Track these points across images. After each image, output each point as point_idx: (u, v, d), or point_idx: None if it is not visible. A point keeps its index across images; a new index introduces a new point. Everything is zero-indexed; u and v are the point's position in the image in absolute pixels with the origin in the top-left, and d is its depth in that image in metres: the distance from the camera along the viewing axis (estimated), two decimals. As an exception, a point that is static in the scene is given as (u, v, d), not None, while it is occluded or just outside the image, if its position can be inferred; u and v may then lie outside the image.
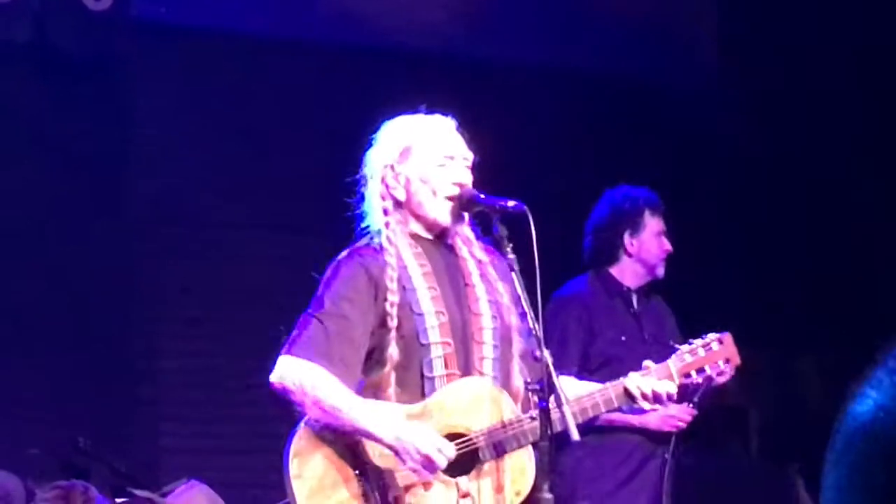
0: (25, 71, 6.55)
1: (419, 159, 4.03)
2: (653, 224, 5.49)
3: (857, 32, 6.87)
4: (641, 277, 5.52)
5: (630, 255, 5.49)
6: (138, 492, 5.22)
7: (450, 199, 4.00)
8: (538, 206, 3.89)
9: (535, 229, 3.77)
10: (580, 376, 4.40)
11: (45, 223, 6.56)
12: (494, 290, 4.04)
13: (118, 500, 5.27)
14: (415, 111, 4.12)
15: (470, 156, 4.07)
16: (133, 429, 6.66)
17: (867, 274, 6.28)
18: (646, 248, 5.48)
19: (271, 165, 6.88)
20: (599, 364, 5.26)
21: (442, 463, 3.77)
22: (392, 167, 4.03)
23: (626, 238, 5.48)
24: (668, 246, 5.50)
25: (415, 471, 3.79)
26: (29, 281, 6.48)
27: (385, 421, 3.80)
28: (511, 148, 6.41)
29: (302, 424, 3.87)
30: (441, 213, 4.01)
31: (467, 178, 4.03)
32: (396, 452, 3.78)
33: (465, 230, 4.09)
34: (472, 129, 4.14)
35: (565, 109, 7.14)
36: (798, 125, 7.07)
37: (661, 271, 5.51)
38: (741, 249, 7.18)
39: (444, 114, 4.11)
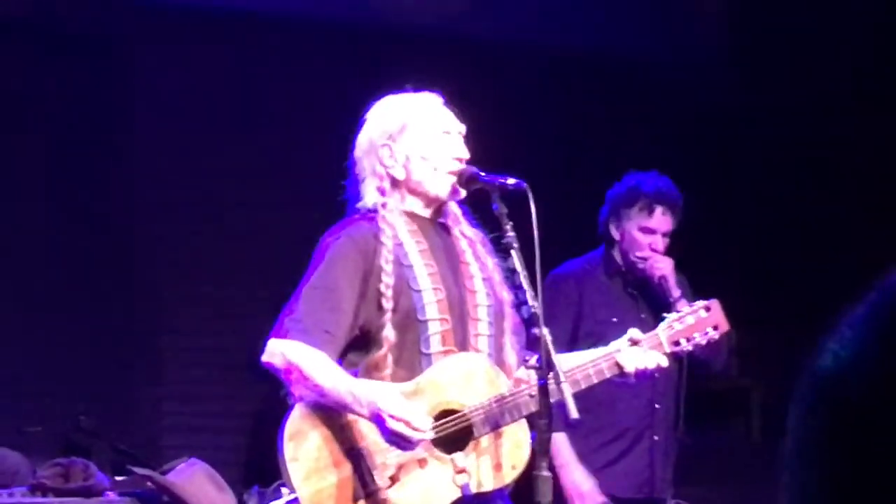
0: (24, 47, 6.54)
1: (417, 136, 4.02)
2: (639, 219, 5.34)
3: (868, 9, 6.83)
4: (629, 267, 5.45)
5: (617, 242, 5.44)
6: (138, 470, 5.21)
7: (451, 173, 4.00)
8: (538, 184, 3.89)
9: (535, 207, 3.77)
10: None
11: (45, 199, 6.56)
12: (486, 267, 4.05)
13: (118, 478, 5.26)
14: (401, 90, 4.12)
15: (464, 128, 4.07)
16: (135, 407, 6.66)
17: (869, 251, 6.25)
18: (627, 241, 5.37)
19: (273, 144, 6.86)
20: (589, 345, 5.21)
21: (413, 434, 3.73)
22: (389, 146, 4.02)
23: (612, 225, 5.42)
24: (655, 245, 5.33)
25: (398, 445, 3.78)
26: (29, 258, 6.48)
27: (365, 395, 3.78)
28: (512, 126, 6.40)
29: (296, 406, 3.87)
30: (442, 188, 4.02)
31: (466, 152, 4.03)
32: (378, 425, 3.78)
33: (454, 208, 4.10)
34: (469, 108, 4.13)
35: (567, 87, 7.12)
36: (805, 103, 7.03)
37: (641, 270, 5.34)
38: (743, 227, 7.16)
39: (431, 90, 4.11)
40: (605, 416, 5.22)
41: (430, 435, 3.79)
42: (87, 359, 6.54)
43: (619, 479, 5.32)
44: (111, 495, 5.11)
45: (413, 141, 4.02)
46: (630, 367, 3.99)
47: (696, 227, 5.77)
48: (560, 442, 5.19)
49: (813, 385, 0.99)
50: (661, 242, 5.37)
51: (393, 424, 3.72)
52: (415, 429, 3.72)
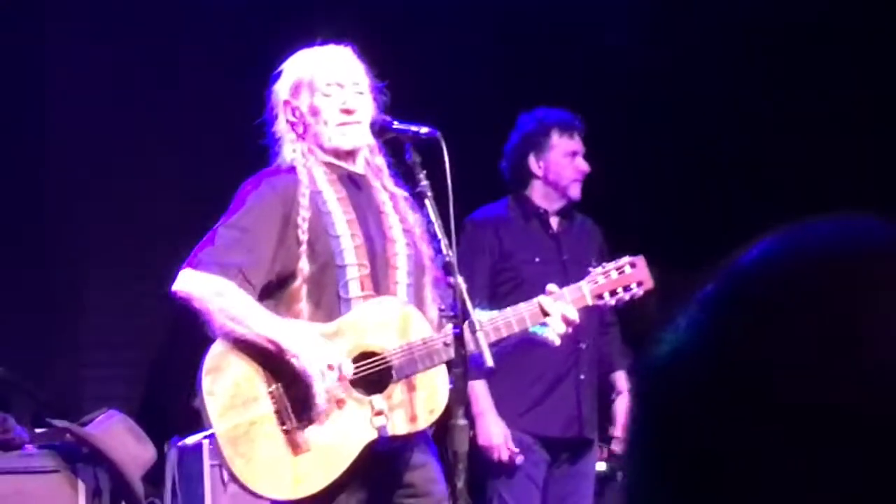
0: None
1: (307, 91, 4.08)
2: (562, 144, 5.47)
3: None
4: (555, 199, 5.51)
5: (538, 178, 5.50)
6: (57, 422, 5.19)
7: (341, 125, 4.02)
8: (454, 131, 3.89)
9: (449, 155, 3.78)
10: (490, 303, 4.43)
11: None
12: (406, 220, 4.07)
13: (37, 430, 5.24)
14: (311, 44, 4.13)
15: (363, 81, 4.09)
16: (52, 358, 6.61)
17: (781, 198, 6.31)
18: (554, 170, 5.47)
19: (192, 97, 6.79)
20: (513, 286, 5.27)
21: (332, 379, 3.79)
22: (290, 102, 4.08)
23: (532, 160, 5.49)
24: (582, 166, 5.48)
25: (309, 388, 3.81)
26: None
27: (290, 328, 3.83)
28: (426, 74, 6.38)
29: (217, 340, 3.87)
30: (336, 139, 4.06)
31: (357, 104, 4.04)
32: (296, 359, 3.81)
33: (378, 160, 4.12)
34: (384, 56, 4.12)
35: (487, 35, 7.09)
36: (715, 48, 7.04)
37: (574, 192, 5.48)
38: (659, 171, 7.17)
39: (340, 43, 4.11)
40: (529, 356, 5.25)
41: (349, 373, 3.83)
42: (4, 309, 6.47)
43: (547, 419, 5.36)
44: (30, 448, 5.09)
45: (304, 97, 4.08)
46: (553, 310, 4.00)
47: (612, 170, 5.80)
48: (478, 390, 5.23)
49: (646, 377, 0.97)
50: (584, 163, 5.49)
51: (314, 367, 3.76)
52: (339, 373, 3.78)
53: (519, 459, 5.27)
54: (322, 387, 3.79)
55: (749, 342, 0.92)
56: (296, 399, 3.86)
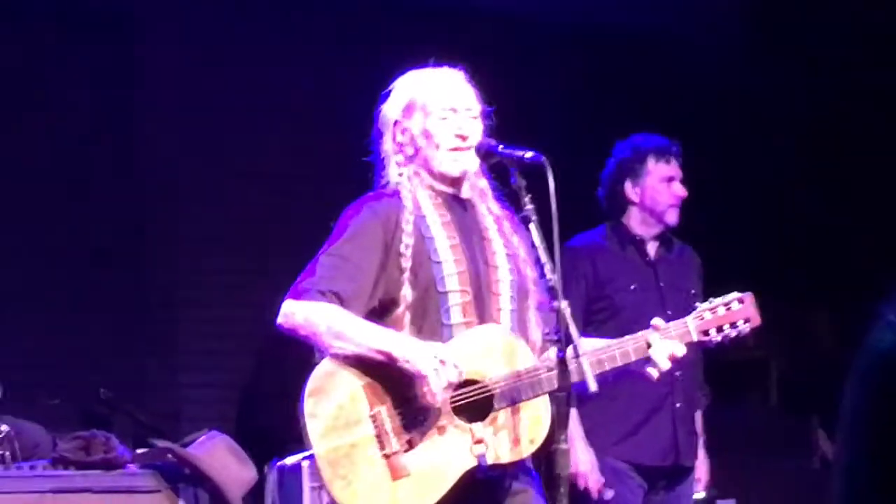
0: (26, 24, 6.55)
1: (421, 114, 4.06)
2: (658, 170, 5.44)
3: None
4: (652, 225, 5.48)
5: (635, 204, 5.48)
6: (159, 442, 5.23)
7: (453, 150, 4.02)
8: (559, 157, 3.89)
9: (554, 180, 3.77)
10: (586, 330, 4.39)
11: (62, 174, 6.57)
12: (511, 243, 4.06)
13: (139, 451, 5.28)
14: (424, 65, 4.13)
15: (476, 106, 4.08)
16: (154, 379, 6.68)
17: (884, 226, 6.25)
18: (650, 196, 5.45)
19: (287, 119, 6.86)
20: (610, 314, 5.25)
21: (452, 376, 3.77)
22: (400, 122, 4.06)
23: (628, 186, 5.47)
24: (679, 192, 5.45)
25: (424, 390, 3.80)
26: (48, 233, 6.51)
27: (398, 336, 3.85)
28: (532, 100, 6.40)
29: (322, 361, 3.89)
30: (447, 165, 4.04)
31: (471, 130, 4.04)
32: (408, 363, 3.79)
33: (482, 183, 4.11)
34: (492, 82, 4.13)
35: (586, 62, 7.11)
36: (821, 78, 7.01)
37: (671, 218, 5.45)
38: (758, 201, 7.15)
39: (453, 66, 4.12)
40: (625, 384, 5.23)
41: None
42: (106, 331, 6.56)
43: (644, 448, 5.33)
44: (132, 468, 5.13)
45: (417, 118, 4.06)
46: (658, 346, 3.96)
47: (711, 199, 5.78)
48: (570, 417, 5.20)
49: (869, 364, 1.06)
50: (681, 188, 5.45)
51: (427, 367, 3.75)
52: (456, 370, 3.76)
53: (608, 494, 5.24)
54: (439, 384, 3.77)
55: None
56: (396, 423, 3.87)
